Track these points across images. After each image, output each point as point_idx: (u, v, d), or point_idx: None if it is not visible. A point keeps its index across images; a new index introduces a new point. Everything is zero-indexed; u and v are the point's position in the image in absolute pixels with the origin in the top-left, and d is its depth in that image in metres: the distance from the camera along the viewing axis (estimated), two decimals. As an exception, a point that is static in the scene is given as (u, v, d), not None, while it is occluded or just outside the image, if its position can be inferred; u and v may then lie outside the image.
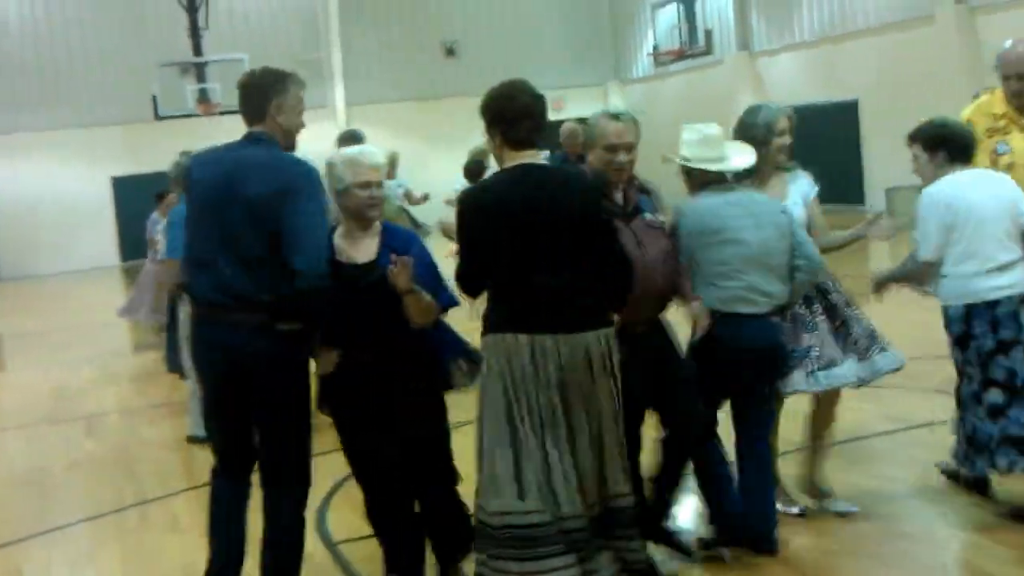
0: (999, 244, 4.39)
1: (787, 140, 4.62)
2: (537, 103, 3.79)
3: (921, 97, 16.48)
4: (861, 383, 4.56)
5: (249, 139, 3.92)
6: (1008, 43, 4.83)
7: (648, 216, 4.18)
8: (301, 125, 3.99)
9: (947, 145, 4.49)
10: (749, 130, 4.59)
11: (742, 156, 4.37)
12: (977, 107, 5.02)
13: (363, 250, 3.97)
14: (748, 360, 4.23)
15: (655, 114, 18.39)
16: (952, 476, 4.94)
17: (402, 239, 4.04)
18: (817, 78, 19.99)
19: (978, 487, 4.81)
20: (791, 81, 20.58)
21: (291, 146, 3.97)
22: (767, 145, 4.55)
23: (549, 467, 3.65)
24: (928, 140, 4.55)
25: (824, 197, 4.77)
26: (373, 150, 4.09)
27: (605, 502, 3.78)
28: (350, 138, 7.37)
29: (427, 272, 3.91)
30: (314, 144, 5.46)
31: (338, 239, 4.00)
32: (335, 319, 3.90)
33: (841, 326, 4.56)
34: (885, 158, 17.12)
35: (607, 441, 3.77)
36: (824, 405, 4.73)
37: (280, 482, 3.94)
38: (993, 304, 4.35)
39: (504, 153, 3.80)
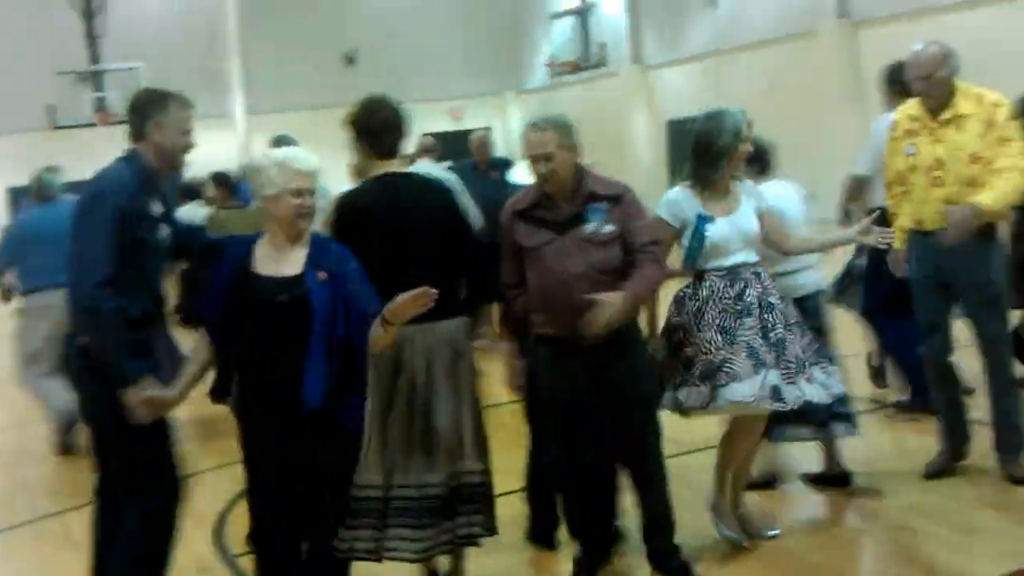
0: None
1: (749, 147, 4.43)
2: (398, 116, 4.11)
3: (804, 109, 17.09)
4: (782, 406, 4.24)
5: (119, 156, 3.92)
6: (918, 46, 4.88)
7: (590, 227, 4.05)
8: (185, 145, 3.91)
9: (760, 159, 4.95)
10: (717, 138, 4.30)
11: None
12: (902, 110, 5.14)
13: (289, 263, 3.64)
14: None
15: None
16: (815, 480, 5.25)
17: (335, 256, 3.69)
18: (705, 90, 20.44)
19: (842, 482, 5.15)
20: (680, 93, 21.08)
21: (171, 165, 3.93)
22: (733, 152, 4.33)
23: (390, 441, 3.95)
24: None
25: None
26: (308, 155, 3.69)
27: (458, 477, 4.00)
28: (281, 143, 7.27)
29: (367, 288, 3.67)
30: (214, 150, 5.44)
31: (261, 247, 3.70)
32: (243, 335, 3.62)
33: (776, 344, 4.27)
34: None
35: (465, 417, 4.03)
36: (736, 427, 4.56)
37: (117, 490, 3.95)
38: (804, 298, 4.84)
39: (370, 163, 4.11)
